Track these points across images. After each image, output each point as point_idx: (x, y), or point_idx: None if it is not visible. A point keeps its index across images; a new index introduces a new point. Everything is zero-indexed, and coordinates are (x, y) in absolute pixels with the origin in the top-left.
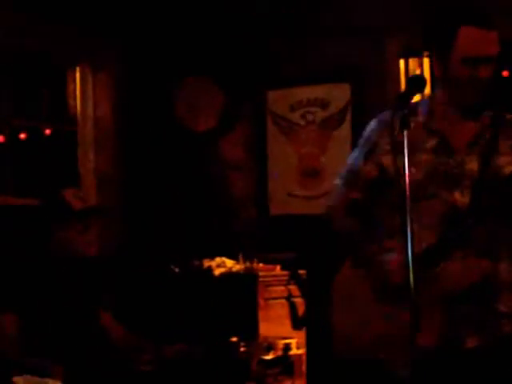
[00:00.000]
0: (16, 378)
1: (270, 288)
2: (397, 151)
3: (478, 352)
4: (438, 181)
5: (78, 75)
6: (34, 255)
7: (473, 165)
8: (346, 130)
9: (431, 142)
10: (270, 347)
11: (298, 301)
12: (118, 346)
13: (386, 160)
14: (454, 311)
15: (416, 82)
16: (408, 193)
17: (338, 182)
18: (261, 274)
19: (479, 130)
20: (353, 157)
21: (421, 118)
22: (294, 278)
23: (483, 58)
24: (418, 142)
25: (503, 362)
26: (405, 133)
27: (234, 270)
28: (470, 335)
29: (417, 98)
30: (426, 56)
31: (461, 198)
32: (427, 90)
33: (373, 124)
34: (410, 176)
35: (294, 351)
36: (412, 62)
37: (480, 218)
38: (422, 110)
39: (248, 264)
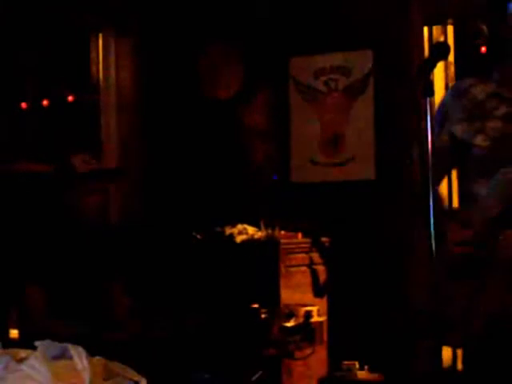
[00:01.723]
0: (37, 342)
1: (292, 255)
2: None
3: None
4: (507, 148)
5: (100, 42)
6: (48, 223)
7: None
8: (368, 97)
9: (502, 110)
10: (291, 314)
11: (320, 268)
12: (121, 319)
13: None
14: None
15: (440, 49)
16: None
17: None
18: (282, 241)
19: None
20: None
21: (492, 86)
22: (315, 245)
23: None
24: (488, 109)
25: None
26: (427, 100)
27: (256, 237)
28: None
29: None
30: (450, 23)
31: None
32: (451, 58)
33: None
34: (477, 143)
35: (315, 318)
36: (436, 29)
37: None
38: (494, 77)
39: (270, 231)
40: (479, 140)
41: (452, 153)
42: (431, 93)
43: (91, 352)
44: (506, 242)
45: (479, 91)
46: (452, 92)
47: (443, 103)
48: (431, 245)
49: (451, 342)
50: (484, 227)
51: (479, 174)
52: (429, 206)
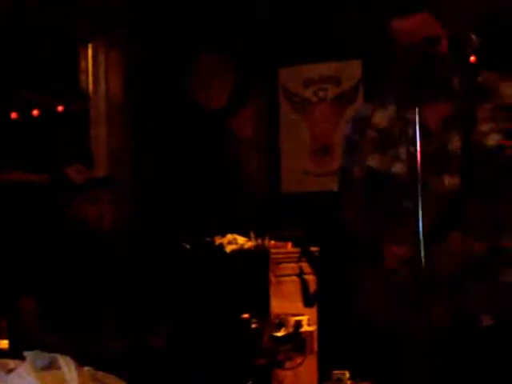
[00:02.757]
0: (26, 353)
1: (282, 265)
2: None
3: (493, 331)
4: (425, 169)
5: (90, 52)
6: (46, 234)
7: (455, 143)
8: (358, 106)
9: (409, 132)
10: (282, 324)
11: (310, 278)
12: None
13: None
14: (464, 290)
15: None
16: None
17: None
18: (272, 250)
19: (452, 106)
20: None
21: (391, 109)
22: (305, 255)
23: (420, 43)
24: (394, 134)
25: None
26: (416, 109)
27: (246, 246)
28: (483, 313)
29: None
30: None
31: (451, 179)
32: None
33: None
34: (396, 171)
35: (305, 328)
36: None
37: (473, 197)
38: (390, 100)
39: (259, 241)
40: (397, 168)
41: (368, 185)
42: (423, 99)
43: (84, 363)
44: (437, 256)
45: (380, 118)
46: (353, 125)
47: (348, 137)
48: None
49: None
50: (417, 242)
51: (403, 198)
52: None
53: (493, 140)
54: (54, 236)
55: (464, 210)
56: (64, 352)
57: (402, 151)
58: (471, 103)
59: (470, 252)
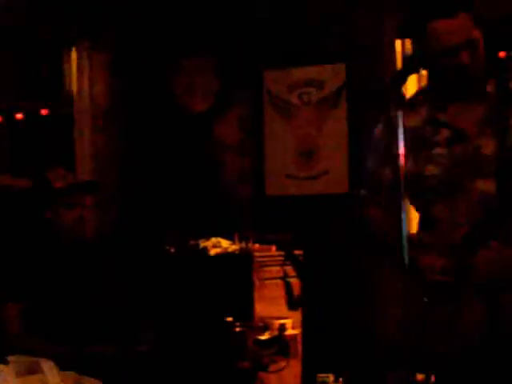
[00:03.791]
0: (10, 357)
1: (266, 268)
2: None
3: None
4: (459, 172)
5: (74, 55)
6: (29, 239)
7: (490, 148)
8: (341, 110)
9: (442, 134)
10: (266, 327)
11: (294, 281)
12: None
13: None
14: (495, 301)
15: (412, 62)
16: (401, 177)
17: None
18: (256, 254)
19: (486, 109)
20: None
21: (424, 111)
22: (289, 258)
23: (457, 46)
24: (427, 136)
25: None
26: (400, 113)
27: (230, 250)
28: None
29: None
30: None
31: (485, 185)
32: (423, 70)
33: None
34: (428, 173)
35: (289, 331)
36: (408, 42)
37: (508, 205)
38: (423, 102)
39: (243, 244)
40: (430, 170)
41: (397, 186)
42: (404, 105)
43: (68, 367)
44: (476, 265)
45: (413, 120)
46: (385, 126)
47: (378, 138)
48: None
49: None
50: (450, 252)
51: (435, 201)
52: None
53: None
54: (35, 241)
55: (501, 217)
56: (48, 357)
57: (435, 153)
58: (506, 107)
59: (509, 261)
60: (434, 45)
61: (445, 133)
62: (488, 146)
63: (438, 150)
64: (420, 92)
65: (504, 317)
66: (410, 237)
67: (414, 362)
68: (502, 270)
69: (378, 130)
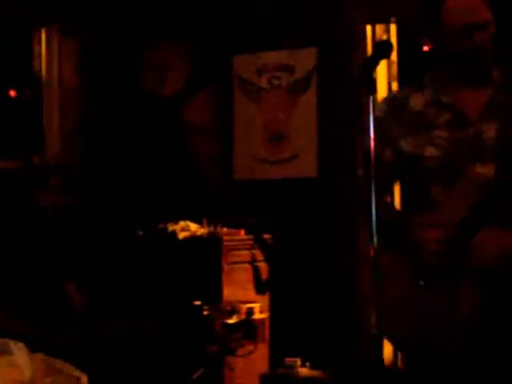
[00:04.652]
0: None
1: (234, 252)
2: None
3: None
4: (458, 156)
5: (43, 38)
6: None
7: (491, 133)
8: (311, 95)
9: (444, 117)
10: (234, 311)
11: (262, 265)
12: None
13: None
14: (490, 283)
15: (383, 48)
16: (371, 158)
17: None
18: (225, 238)
19: (491, 94)
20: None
21: (428, 93)
22: (257, 242)
23: (472, 26)
24: (429, 118)
25: None
26: (370, 98)
27: (198, 233)
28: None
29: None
30: (394, 22)
31: (484, 169)
32: (394, 57)
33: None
34: (428, 155)
35: (257, 315)
36: (379, 27)
37: (507, 189)
38: (428, 84)
39: (212, 228)
40: (429, 152)
41: (398, 167)
42: (374, 91)
43: (39, 350)
44: (476, 247)
45: (416, 101)
46: (387, 106)
47: (380, 118)
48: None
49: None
50: (451, 232)
51: (433, 183)
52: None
53: None
54: (10, 221)
55: (500, 201)
56: (16, 337)
57: (436, 135)
58: (510, 95)
59: (506, 244)
60: (448, 24)
61: (447, 115)
62: (489, 131)
63: (439, 133)
64: (426, 73)
65: (498, 301)
66: (406, 218)
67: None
68: (499, 253)
69: (381, 109)
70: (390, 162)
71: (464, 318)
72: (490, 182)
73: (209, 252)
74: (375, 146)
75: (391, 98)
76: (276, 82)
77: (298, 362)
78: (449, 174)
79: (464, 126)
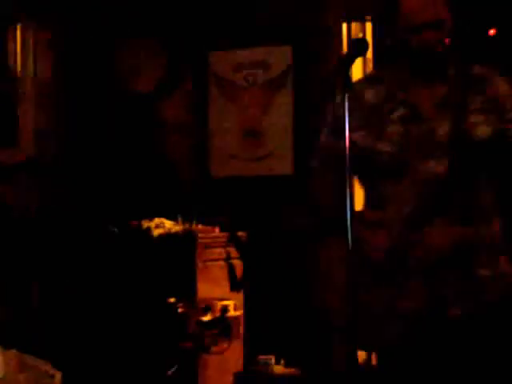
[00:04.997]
0: None
1: (209, 249)
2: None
3: (462, 321)
4: (411, 151)
5: (18, 33)
6: None
7: (444, 129)
8: (287, 92)
9: (399, 112)
10: (208, 308)
11: (237, 262)
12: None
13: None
14: (437, 277)
15: (358, 45)
16: (347, 156)
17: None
18: (200, 235)
19: (446, 91)
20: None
21: (384, 87)
22: (232, 239)
23: (424, 24)
24: (385, 112)
25: (487, 330)
26: (346, 96)
27: (173, 231)
28: (453, 303)
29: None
30: (369, 20)
31: (436, 166)
32: (369, 54)
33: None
34: (380, 149)
35: (231, 313)
36: (355, 25)
37: (458, 185)
38: (385, 79)
39: (187, 225)
40: (381, 146)
41: (352, 160)
42: (350, 88)
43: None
44: (423, 242)
45: (372, 95)
46: (342, 100)
47: (335, 112)
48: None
49: (367, 346)
50: (399, 227)
51: (385, 177)
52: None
53: (481, 132)
54: None
55: (450, 197)
56: None
57: (389, 130)
58: (464, 92)
59: (453, 239)
60: (402, 20)
61: (401, 111)
62: (442, 128)
63: (392, 128)
64: (383, 68)
65: (444, 296)
66: (357, 214)
67: (357, 342)
68: (446, 247)
69: (336, 103)
70: (342, 156)
71: (411, 312)
72: (441, 178)
73: (183, 249)
74: (328, 139)
75: (345, 91)
76: (251, 79)
77: (273, 360)
78: (400, 169)
79: (417, 121)
